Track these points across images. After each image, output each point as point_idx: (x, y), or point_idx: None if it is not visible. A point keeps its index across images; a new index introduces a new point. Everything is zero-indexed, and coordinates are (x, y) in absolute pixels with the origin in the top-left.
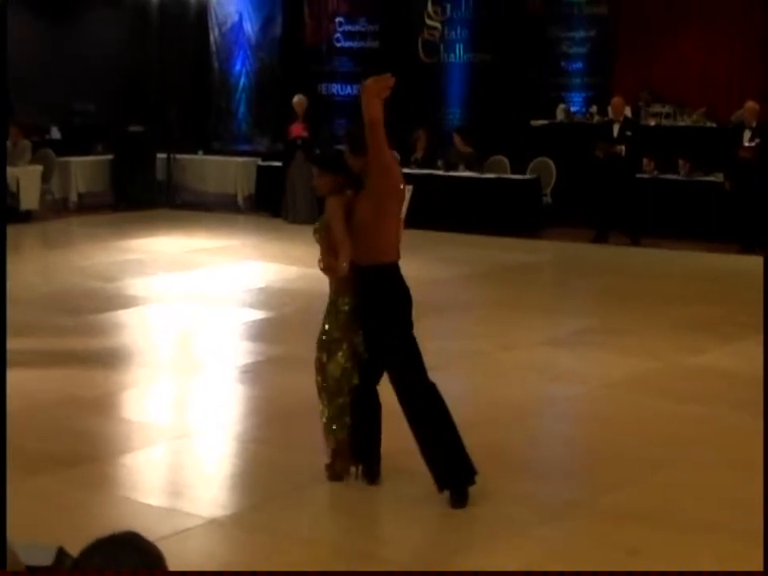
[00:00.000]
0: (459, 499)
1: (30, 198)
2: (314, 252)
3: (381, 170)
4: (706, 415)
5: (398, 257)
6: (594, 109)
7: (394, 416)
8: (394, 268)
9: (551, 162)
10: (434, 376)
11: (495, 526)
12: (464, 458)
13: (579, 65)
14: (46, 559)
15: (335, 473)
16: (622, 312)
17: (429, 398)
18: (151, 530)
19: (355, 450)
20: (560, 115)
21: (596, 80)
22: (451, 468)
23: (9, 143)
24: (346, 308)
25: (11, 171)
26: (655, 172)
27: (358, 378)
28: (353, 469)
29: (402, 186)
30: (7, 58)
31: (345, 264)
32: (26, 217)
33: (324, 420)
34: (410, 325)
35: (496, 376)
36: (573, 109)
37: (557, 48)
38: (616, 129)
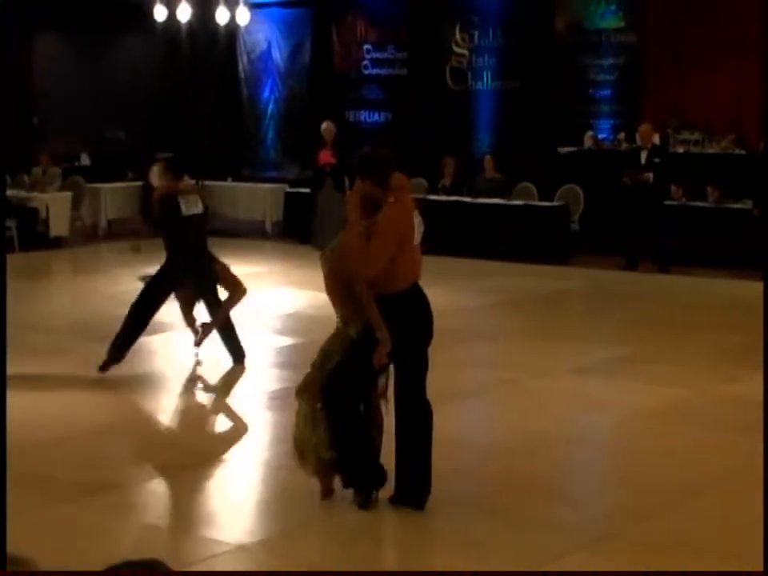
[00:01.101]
0: (417, 506)
1: (59, 225)
2: None
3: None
4: (737, 444)
5: (418, 276)
6: (621, 136)
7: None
8: (413, 290)
9: (579, 189)
10: (464, 403)
11: (526, 554)
12: (427, 473)
13: (607, 92)
14: None
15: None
16: (652, 340)
17: (424, 413)
18: (179, 557)
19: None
20: (588, 142)
21: (624, 107)
22: (416, 482)
23: (39, 170)
24: (354, 336)
25: (41, 198)
26: (684, 199)
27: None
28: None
29: (414, 228)
30: (33, 82)
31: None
32: (56, 243)
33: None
34: (427, 340)
35: (526, 404)
36: (601, 136)
37: (585, 75)
38: (644, 156)
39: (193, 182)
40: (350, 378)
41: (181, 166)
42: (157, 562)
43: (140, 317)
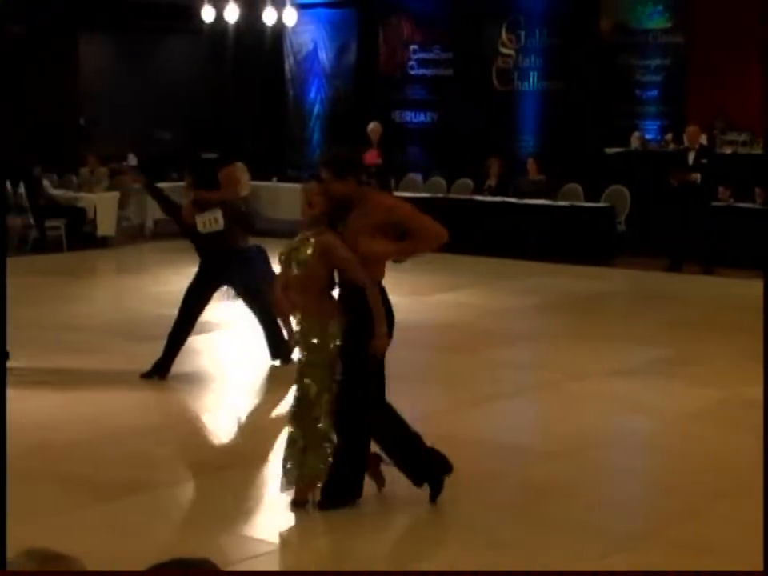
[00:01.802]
0: (438, 491)
1: (106, 224)
2: (389, 277)
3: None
4: None
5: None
6: (668, 136)
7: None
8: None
9: (625, 190)
10: (502, 405)
11: (561, 556)
12: (431, 454)
13: (654, 92)
14: None
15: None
16: (695, 342)
17: (388, 412)
18: (222, 557)
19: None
20: (635, 143)
21: (671, 108)
22: (421, 464)
23: (86, 170)
24: (337, 336)
25: (89, 198)
26: (731, 200)
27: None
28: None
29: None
30: (78, 83)
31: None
32: (103, 242)
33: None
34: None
35: (566, 406)
36: (648, 137)
37: (631, 76)
38: (691, 157)
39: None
40: (363, 390)
41: (201, 181)
42: (206, 561)
43: (183, 331)
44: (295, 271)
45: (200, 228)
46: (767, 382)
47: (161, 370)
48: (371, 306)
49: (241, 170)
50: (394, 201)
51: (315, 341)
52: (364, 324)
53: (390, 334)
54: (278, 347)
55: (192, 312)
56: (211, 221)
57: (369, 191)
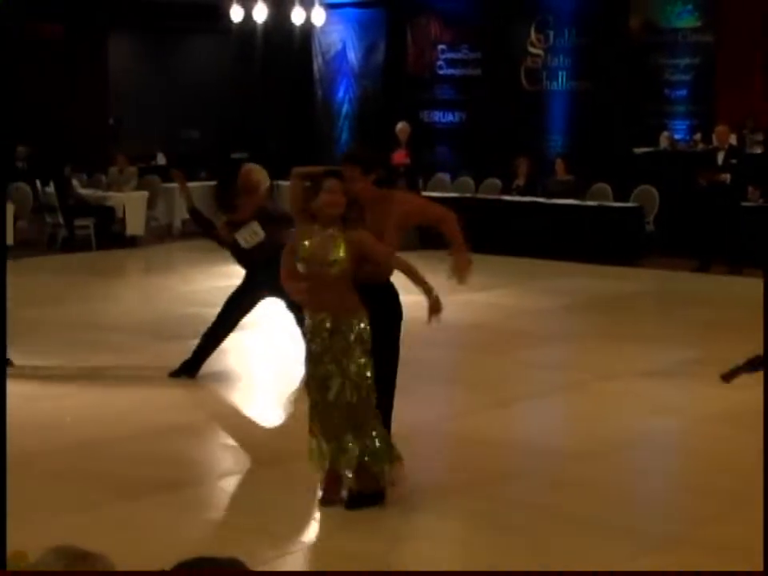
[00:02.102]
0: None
1: (135, 224)
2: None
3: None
4: None
5: None
6: (698, 136)
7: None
8: None
9: (654, 190)
10: (531, 405)
11: (594, 557)
12: None
13: (683, 92)
14: None
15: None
16: (724, 343)
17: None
18: (251, 555)
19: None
20: (663, 143)
21: (700, 107)
22: None
23: (115, 169)
24: (366, 330)
25: (118, 197)
26: (761, 200)
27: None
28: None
29: None
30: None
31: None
32: (132, 242)
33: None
34: None
35: (595, 406)
36: (677, 136)
37: (660, 75)
38: (720, 157)
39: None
40: (393, 372)
41: (229, 200)
42: (234, 560)
43: (219, 335)
44: (305, 268)
45: (243, 245)
46: (767, 383)
47: (190, 370)
48: (410, 274)
49: (255, 172)
50: (417, 201)
51: (345, 332)
52: (389, 313)
53: (399, 330)
54: None
55: (231, 319)
56: (251, 234)
57: (390, 190)
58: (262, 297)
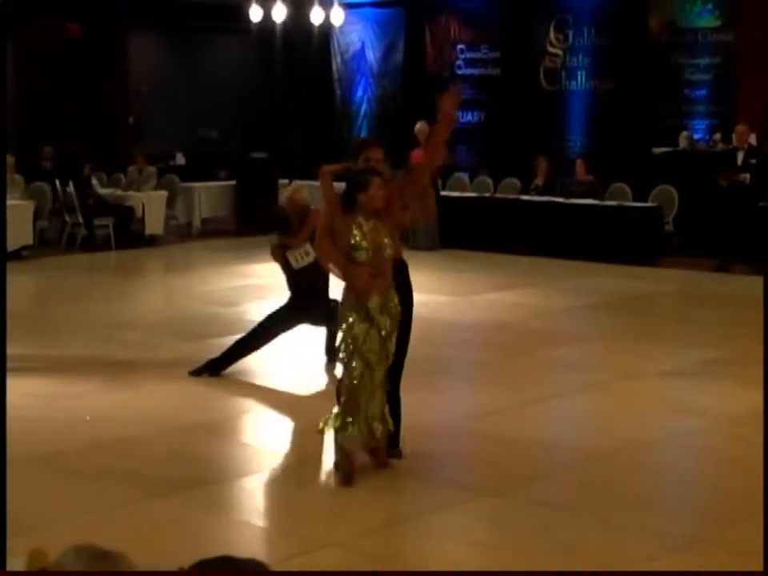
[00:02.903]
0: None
1: (154, 223)
2: (437, 278)
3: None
4: None
5: None
6: (717, 136)
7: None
8: None
9: (673, 190)
10: (552, 405)
11: (615, 557)
12: None
13: (703, 92)
14: None
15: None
16: (745, 343)
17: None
18: (267, 554)
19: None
20: (683, 143)
21: (720, 107)
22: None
23: (134, 169)
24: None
25: (137, 196)
26: None
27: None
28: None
29: None
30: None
31: None
32: (151, 241)
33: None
34: None
35: (617, 406)
36: (696, 136)
37: (680, 75)
38: (740, 157)
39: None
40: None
41: (285, 225)
42: (252, 560)
43: (251, 345)
44: (367, 255)
45: (294, 265)
46: (767, 383)
47: (215, 369)
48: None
49: (297, 195)
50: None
51: (393, 314)
52: (407, 289)
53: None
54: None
55: (271, 333)
56: (302, 255)
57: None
58: (301, 322)
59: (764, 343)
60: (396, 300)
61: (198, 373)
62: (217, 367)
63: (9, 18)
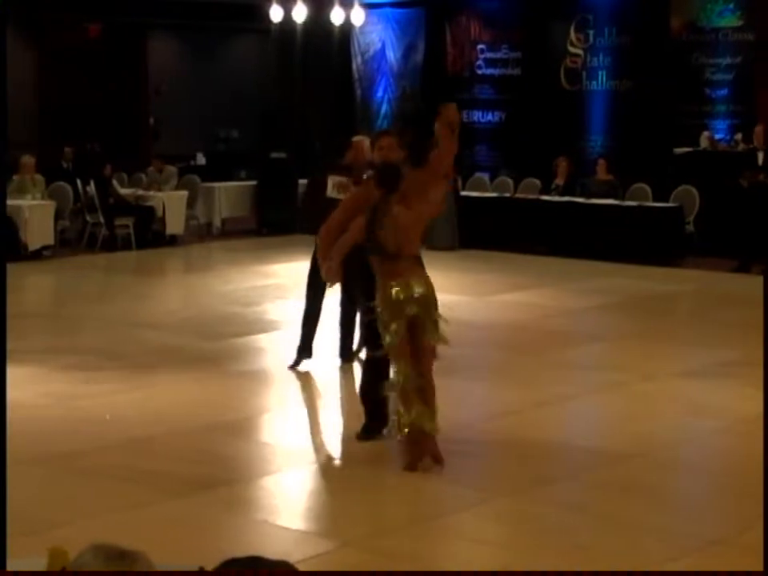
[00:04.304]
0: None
1: (175, 223)
2: (456, 278)
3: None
4: None
5: None
6: (738, 136)
7: None
8: None
9: (694, 190)
10: (570, 405)
11: (632, 558)
12: None
13: (724, 92)
14: None
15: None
16: (762, 343)
17: None
18: (287, 554)
19: None
20: (704, 143)
21: (741, 107)
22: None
23: (153, 169)
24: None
25: (158, 196)
26: None
27: None
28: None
29: None
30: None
31: None
32: (171, 241)
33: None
34: None
35: (635, 407)
36: (717, 136)
37: (701, 75)
38: (761, 157)
39: None
40: None
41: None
42: (284, 563)
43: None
44: None
45: (329, 192)
46: (767, 382)
47: (306, 352)
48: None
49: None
50: None
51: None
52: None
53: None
54: (348, 347)
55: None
56: (341, 188)
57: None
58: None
59: (764, 343)
60: (419, 288)
61: (296, 364)
62: (306, 351)
63: (7, 18)
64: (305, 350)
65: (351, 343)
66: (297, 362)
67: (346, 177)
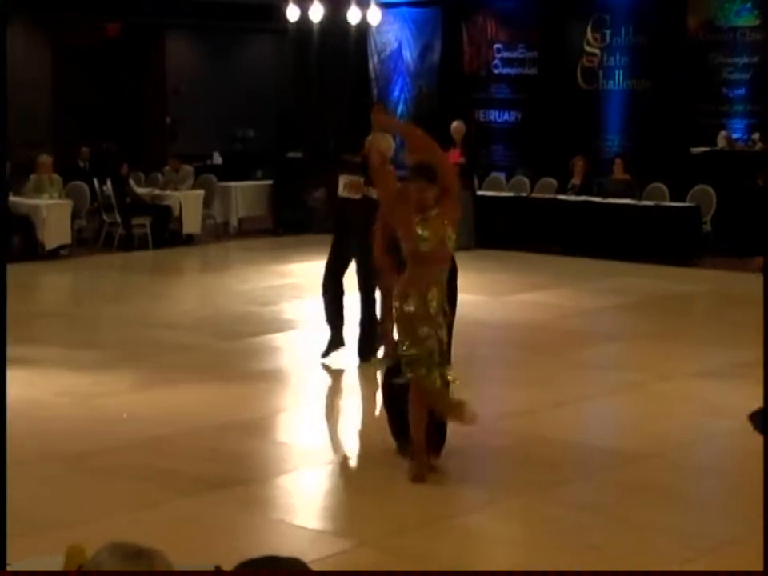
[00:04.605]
0: None
1: (191, 222)
2: (472, 277)
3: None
4: None
5: None
6: (756, 136)
7: None
8: None
9: (711, 190)
10: (587, 405)
11: (648, 558)
12: None
13: (741, 91)
14: None
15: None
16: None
17: None
18: (303, 553)
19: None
20: (721, 142)
21: (759, 107)
22: None
23: (170, 169)
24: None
25: (175, 196)
26: None
27: None
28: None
29: None
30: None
31: None
32: (188, 240)
33: None
34: None
35: (651, 407)
36: (734, 136)
37: (718, 74)
38: None
39: None
40: None
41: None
42: (298, 561)
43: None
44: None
45: (340, 191)
46: (767, 381)
47: (337, 344)
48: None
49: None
50: None
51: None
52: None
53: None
54: (368, 347)
55: (331, 291)
56: (353, 188)
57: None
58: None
59: (764, 343)
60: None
61: (326, 354)
62: (337, 343)
63: (7, 18)
64: (334, 341)
65: (370, 343)
66: (326, 353)
67: (358, 176)
